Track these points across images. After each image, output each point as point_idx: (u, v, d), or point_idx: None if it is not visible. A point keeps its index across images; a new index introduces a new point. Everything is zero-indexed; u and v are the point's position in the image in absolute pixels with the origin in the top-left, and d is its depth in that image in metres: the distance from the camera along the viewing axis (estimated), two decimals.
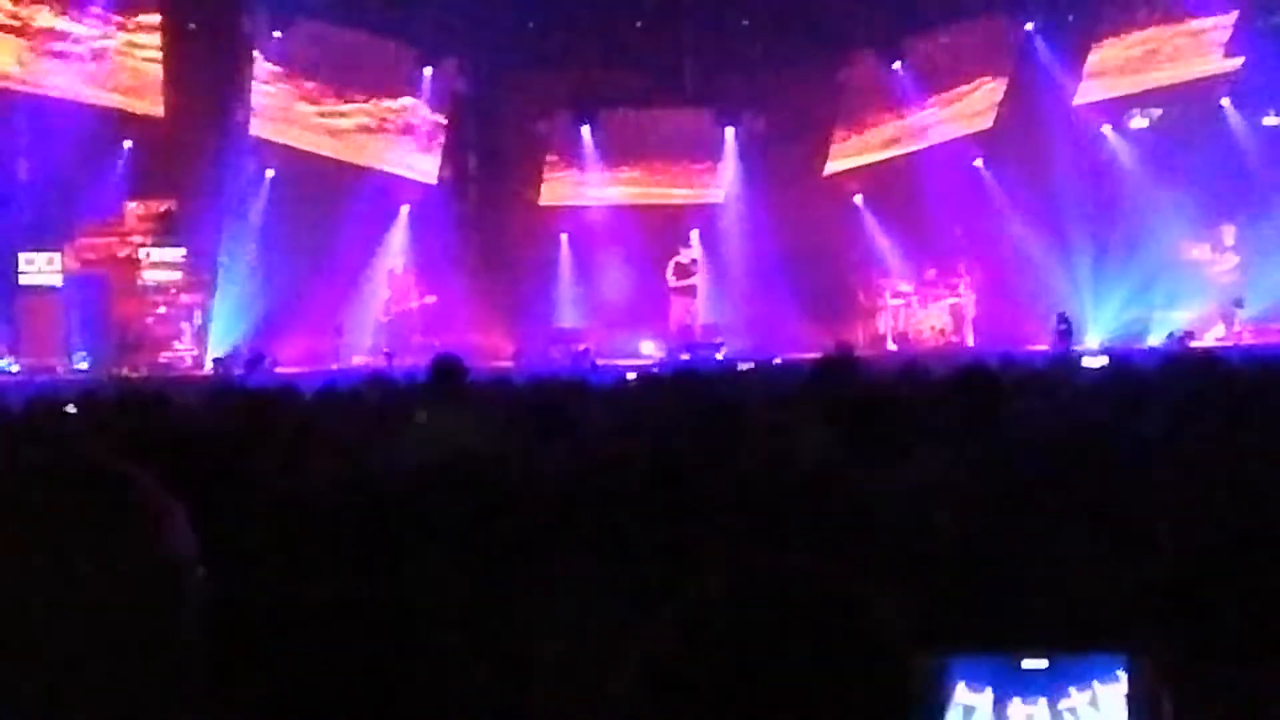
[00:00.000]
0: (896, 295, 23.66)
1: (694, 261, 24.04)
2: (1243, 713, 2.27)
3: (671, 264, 23.82)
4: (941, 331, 23.22)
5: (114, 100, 22.32)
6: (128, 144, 22.27)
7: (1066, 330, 20.46)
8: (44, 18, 21.88)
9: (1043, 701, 1.90)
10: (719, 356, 21.06)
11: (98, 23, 22.08)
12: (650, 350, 23.15)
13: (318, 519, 4.26)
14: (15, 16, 21.64)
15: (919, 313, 23.50)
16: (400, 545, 3.99)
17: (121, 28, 22.29)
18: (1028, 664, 1.90)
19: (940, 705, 1.89)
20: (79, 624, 1.58)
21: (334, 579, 3.58)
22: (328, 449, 7.30)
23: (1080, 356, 16.32)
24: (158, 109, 22.55)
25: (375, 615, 3.21)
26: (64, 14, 21.94)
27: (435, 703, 3.04)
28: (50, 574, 1.58)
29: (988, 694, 1.89)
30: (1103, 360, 14.45)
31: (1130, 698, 1.90)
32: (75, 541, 1.60)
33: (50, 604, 1.58)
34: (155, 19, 22.39)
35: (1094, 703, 1.91)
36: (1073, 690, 1.90)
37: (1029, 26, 23.71)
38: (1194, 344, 19.48)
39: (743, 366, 15.46)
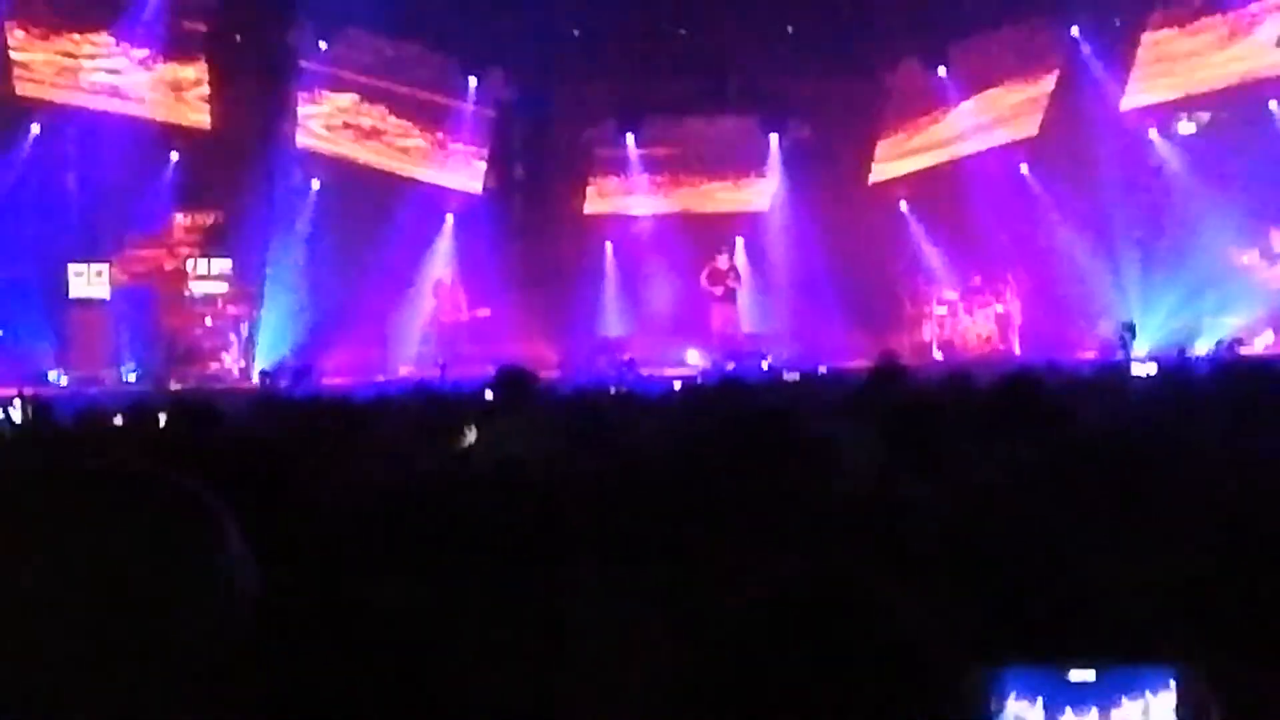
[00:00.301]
0: (942, 303, 23.56)
1: (732, 269, 23.98)
2: None
3: (706, 270, 23.75)
4: (988, 339, 23.11)
5: (161, 113, 22.48)
6: (175, 156, 22.45)
7: (1130, 339, 20.14)
8: (89, 49, 22.12)
9: (1094, 711, 1.89)
10: (764, 365, 21.02)
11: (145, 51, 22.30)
12: (695, 359, 23.12)
13: (364, 527, 4.28)
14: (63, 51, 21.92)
15: (965, 321, 23.39)
16: (444, 553, 4.00)
17: (167, 57, 22.48)
18: (1076, 676, 1.89)
19: (993, 716, 1.89)
20: (132, 632, 1.59)
21: (378, 586, 3.60)
22: (378, 460, 7.32)
23: (1129, 364, 16.22)
24: (204, 121, 22.71)
25: (417, 622, 3.22)
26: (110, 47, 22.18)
27: (474, 706, 3.05)
28: (101, 582, 1.59)
29: (1039, 705, 1.88)
30: (1151, 368, 14.36)
31: (1180, 708, 1.89)
32: (126, 549, 1.61)
33: (102, 611, 1.58)
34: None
35: (1146, 713, 1.90)
36: (1124, 700, 1.89)
37: (1075, 31, 23.58)
38: (1243, 351, 19.33)
39: (789, 376, 15.40)
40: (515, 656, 3.32)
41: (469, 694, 3.10)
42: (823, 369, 18.01)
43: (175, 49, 22.56)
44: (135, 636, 1.58)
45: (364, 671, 2.90)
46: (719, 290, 23.75)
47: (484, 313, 23.21)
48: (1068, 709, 1.96)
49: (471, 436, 8.02)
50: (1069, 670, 1.96)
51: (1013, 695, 1.95)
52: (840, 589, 2.04)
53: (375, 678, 2.90)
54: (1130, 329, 20.31)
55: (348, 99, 23.62)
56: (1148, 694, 1.97)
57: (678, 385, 13.50)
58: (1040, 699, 1.94)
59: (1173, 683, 1.98)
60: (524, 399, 8.58)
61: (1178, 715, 1.95)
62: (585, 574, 3.76)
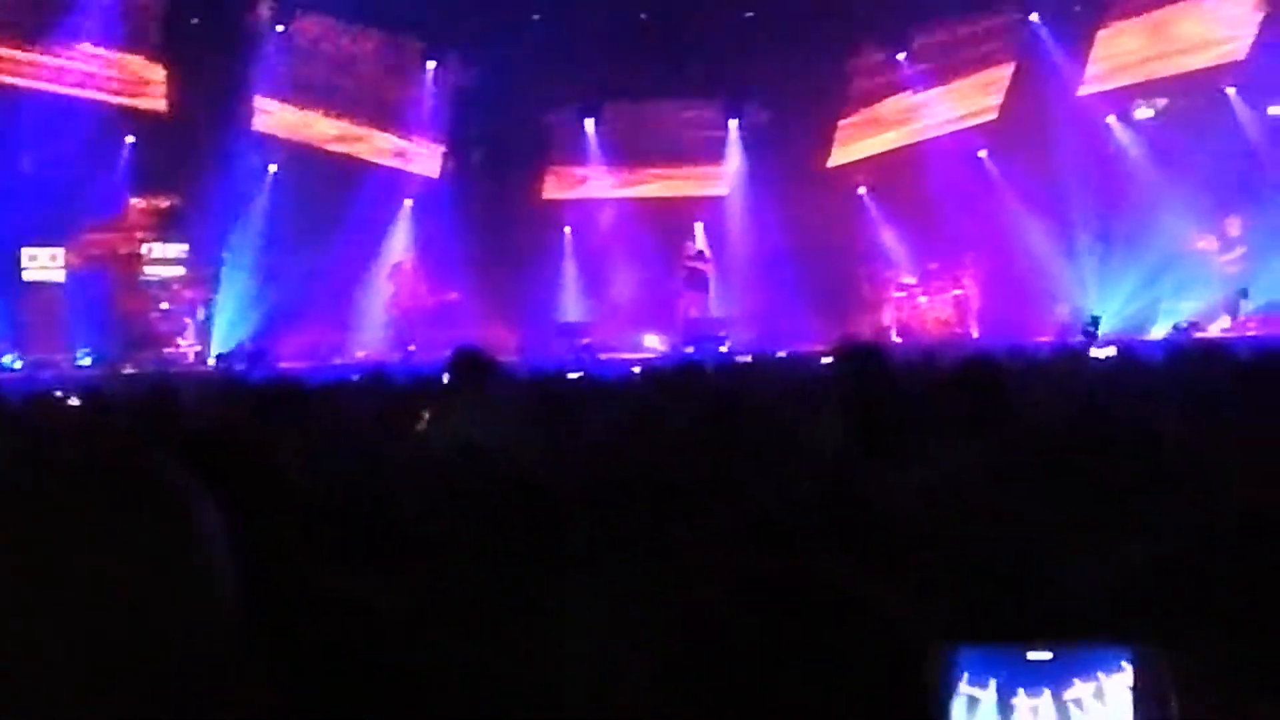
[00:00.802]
0: (900, 287, 23.64)
1: (699, 252, 23.99)
2: (1249, 705, 2.26)
3: (681, 259, 23.81)
4: (946, 323, 23.19)
5: (117, 96, 22.34)
6: (130, 140, 22.31)
7: (1093, 332, 20.12)
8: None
9: (1047, 693, 1.88)
10: (723, 349, 21.04)
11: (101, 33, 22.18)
12: (653, 344, 23.14)
13: (326, 516, 4.25)
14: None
15: (923, 305, 23.47)
16: (409, 541, 3.98)
17: (124, 40, 22.34)
18: (1033, 656, 1.88)
19: (946, 696, 1.88)
20: (115, 613, 1.55)
21: (344, 574, 3.57)
22: (340, 443, 7.28)
23: (1086, 349, 16.28)
24: (160, 105, 22.57)
25: (386, 611, 3.20)
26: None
27: (444, 696, 3.03)
28: (82, 564, 1.56)
29: (992, 686, 1.87)
30: (1110, 351, 14.42)
31: (1136, 689, 1.88)
32: (107, 530, 1.58)
33: (83, 593, 1.55)
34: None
35: (1099, 694, 1.89)
36: (1077, 681, 1.88)
37: (1034, 17, 23.66)
38: (1199, 335, 19.44)
39: (740, 359, 15.42)
40: (483, 643, 3.30)
41: (438, 686, 3.08)
42: (782, 353, 18.04)
43: (131, 32, 22.41)
44: (124, 631, 1.55)
45: (334, 664, 2.88)
46: (691, 275, 23.72)
47: (453, 296, 23.15)
48: (1020, 690, 1.96)
49: (425, 421, 7.99)
50: (1026, 650, 1.96)
51: (966, 676, 1.94)
52: (806, 576, 2.04)
53: (345, 670, 2.88)
54: (1095, 323, 20.34)
55: (305, 83, 23.49)
56: (1100, 675, 1.96)
57: (636, 370, 13.47)
58: (994, 680, 1.94)
59: (1128, 664, 1.97)
60: (480, 382, 8.54)
61: (1133, 696, 1.94)
62: (554, 561, 3.75)
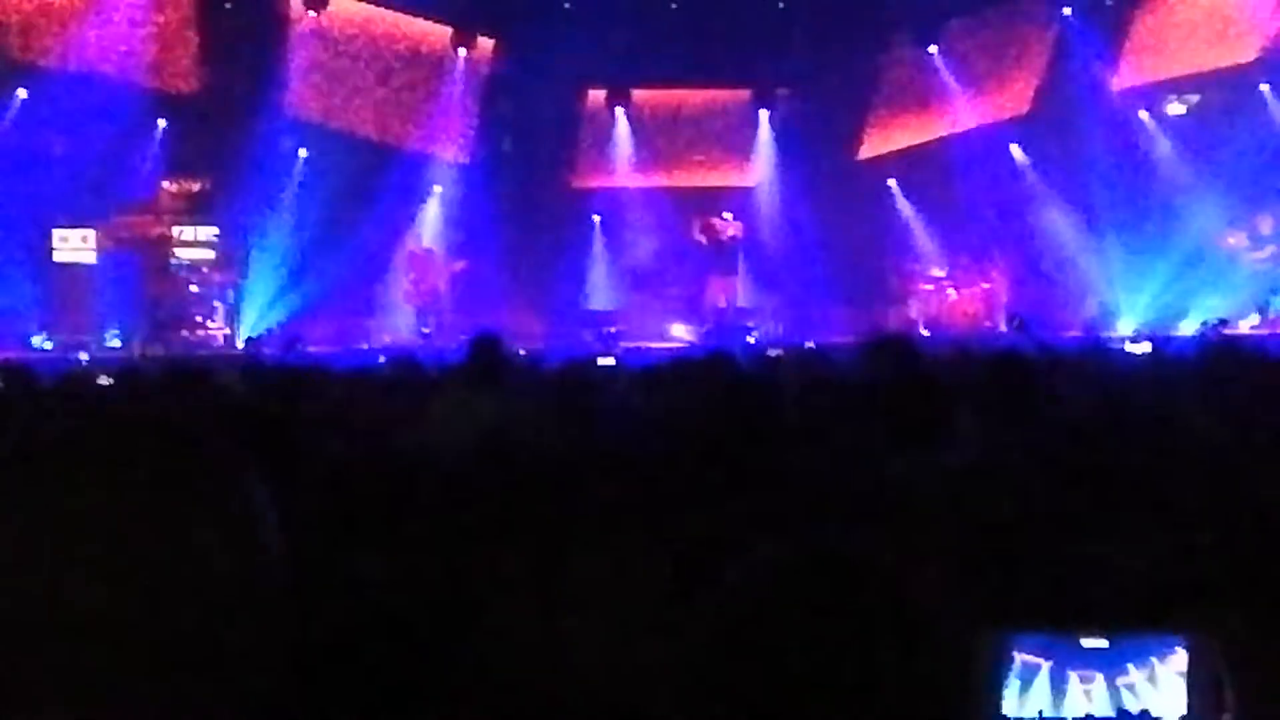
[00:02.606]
0: (929, 281, 23.57)
1: (734, 237, 23.88)
2: None
3: (699, 224, 23.72)
4: (974, 317, 23.13)
5: (150, 79, 22.38)
6: (162, 123, 22.36)
7: (1020, 327, 19.73)
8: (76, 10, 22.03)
9: (1100, 677, 1.89)
10: (751, 340, 21.02)
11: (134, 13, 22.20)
12: (681, 333, 23.13)
13: (351, 498, 4.26)
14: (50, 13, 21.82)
15: (951, 298, 23.41)
16: (434, 522, 3.99)
17: (157, 22, 22.37)
18: (1088, 643, 1.89)
19: (1000, 677, 1.88)
20: (170, 579, 1.56)
21: (372, 554, 3.58)
22: (362, 427, 7.30)
23: (1120, 343, 16.24)
24: (193, 87, 22.62)
25: (413, 590, 3.21)
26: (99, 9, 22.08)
27: (469, 672, 3.04)
28: (139, 532, 1.56)
29: (1045, 669, 1.88)
30: (1146, 346, 14.39)
31: (1189, 676, 1.88)
32: (163, 497, 1.59)
33: (141, 561, 1.56)
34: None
35: (1152, 680, 1.89)
36: (1131, 667, 1.89)
37: (1067, 11, 23.56)
38: (1228, 332, 19.36)
39: (772, 353, 15.38)
40: (508, 630, 3.31)
41: (452, 667, 3.09)
42: (810, 344, 18.01)
43: (165, 13, 22.45)
44: (176, 586, 1.56)
45: (360, 643, 2.89)
46: (720, 251, 23.63)
47: (459, 265, 23.12)
48: (1072, 674, 1.96)
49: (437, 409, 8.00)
50: (1080, 637, 1.96)
51: (1021, 657, 1.94)
52: (841, 559, 2.04)
53: (370, 650, 2.89)
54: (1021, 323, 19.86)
55: (337, 68, 23.52)
56: (1154, 662, 1.97)
57: (665, 359, 13.47)
58: (1049, 661, 1.94)
59: (1182, 651, 1.97)
60: (498, 369, 8.58)
61: (1188, 683, 1.94)
62: (576, 547, 3.75)
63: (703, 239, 23.70)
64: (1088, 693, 1.92)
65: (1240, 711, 1.88)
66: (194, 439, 1.65)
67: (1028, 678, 1.90)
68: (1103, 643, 1.94)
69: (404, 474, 4.61)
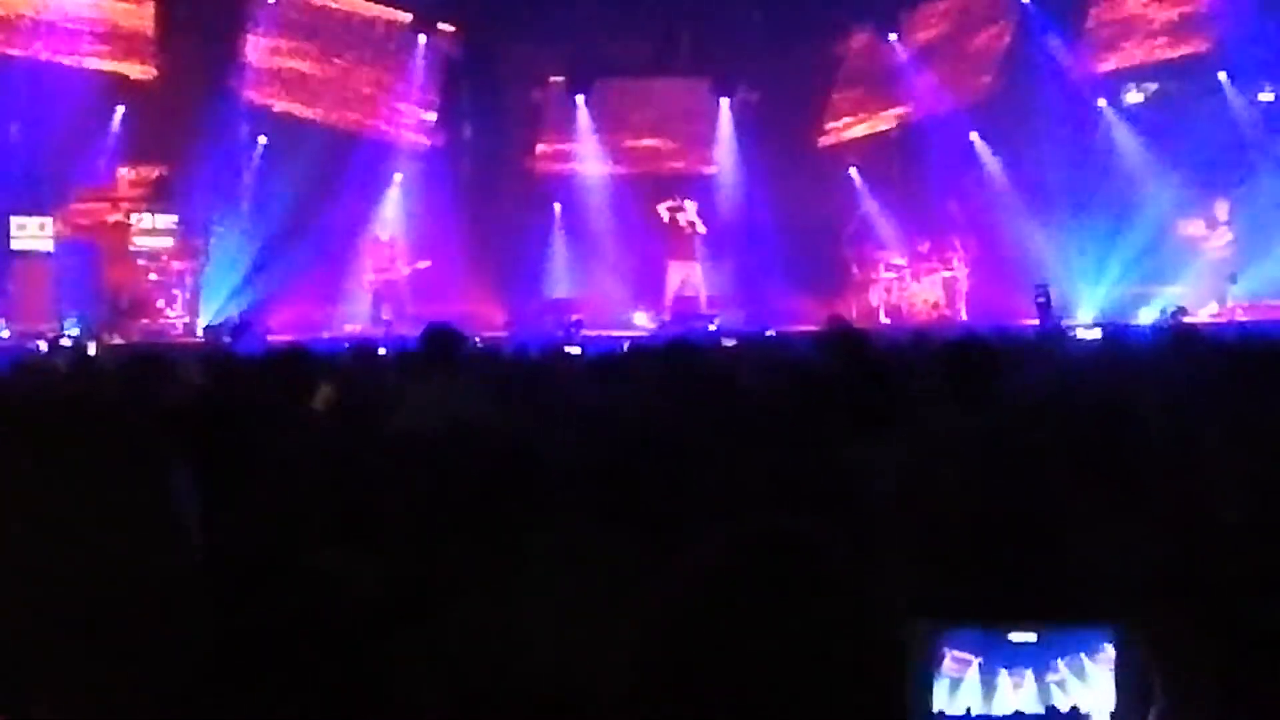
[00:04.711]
0: (890, 268, 23.61)
1: (692, 224, 23.93)
2: (1230, 686, 2.27)
3: (666, 204, 23.79)
4: (935, 305, 23.19)
5: (106, 65, 22.24)
6: (120, 109, 22.22)
7: (1045, 303, 20.05)
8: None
9: (1029, 673, 1.89)
10: (712, 328, 21.02)
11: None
12: (642, 321, 23.12)
13: (305, 490, 4.25)
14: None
15: (912, 286, 23.46)
16: (378, 513, 3.99)
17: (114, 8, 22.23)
18: (1016, 637, 1.89)
19: (930, 673, 1.89)
20: (84, 571, 1.58)
21: (328, 545, 3.57)
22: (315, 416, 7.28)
23: (1072, 330, 16.30)
24: (150, 74, 22.49)
25: (371, 581, 3.20)
26: None
27: (426, 661, 3.03)
28: (63, 515, 1.58)
29: (975, 665, 1.88)
30: (1095, 333, 14.45)
31: (1118, 670, 1.89)
32: (88, 487, 1.60)
33: (57, 548, 1.57)
34: None
35: (1080, 675, 1.90)
36: (1060, 664, 1.90)
37: None
38: (1187, 320, 19.45)
39: (727, 343, 15.39)
40: (463, 619, 3.31)
41: (412, 660, 3.09)
42: (770, 333, 18.02)
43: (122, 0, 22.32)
44: (87, 581, 1.57)
45: (309, 636, 2.88)
46: (678, 237, 23.70)
47: (424, 264, 23.10)
48: (1003, 670, 1.96)
49: (324, 394, 7.99)
50: (1009, 631, 1.96)
51: (951, 654, 1.95)
52: (790, 544, 2.04)
53: (319, 643, 2.89)
54: (1044, 292, 20.03)
55: (296, 54, 23.40)
56: (1084, 658, 1.97)
57: (625, 346, 13.48)
58: (977, 660, 1.94)
59: (1109, 646, 1.98)
60: (452, 358, 8.61)
61: (1115, 677, 1.95)
62: (535, 536, 3.75)
63: (665, 215, 23.73)
64: (1017, 690, 1.92)
65: (1168, 704, 1.89)
66: (114, 429, 1.65)
67: (958, 675, 1.90)
68: (1031, 636, 1.95)
69: (356, 464, 4.60)
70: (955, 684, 1.91)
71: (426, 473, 4.21)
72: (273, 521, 3.93)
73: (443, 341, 8.64)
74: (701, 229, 23.95)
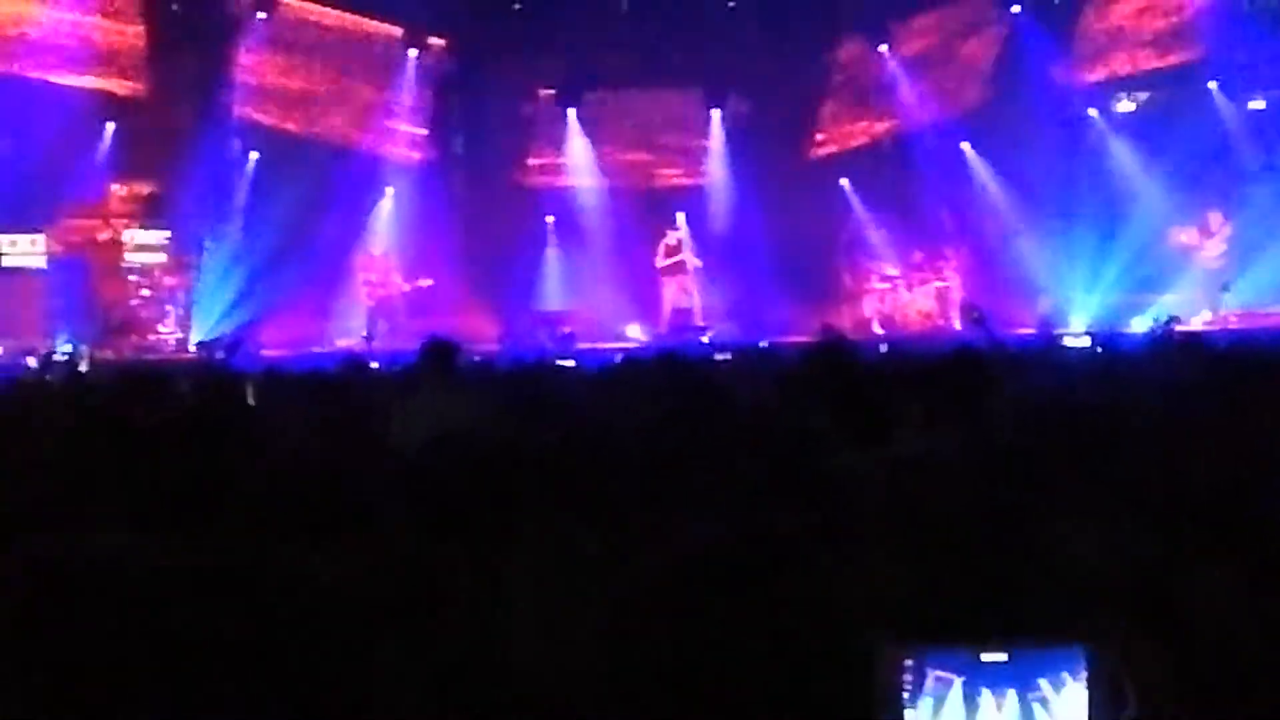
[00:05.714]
0: (883, 279, 23.64)
1: (680, 243, 24.01)
2: (1202, 700, 2.25)
3: (661, 246, 23.88)
4: (928, 315, 23.20)
5: (97, 82, 22.24)
6: (111, 126, 22.23)
7: (980, 320, 19.87)
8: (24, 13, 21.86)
9: (1012, 693, 1.87)
10: (705, 340, 21.01)
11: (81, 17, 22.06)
12: (635, 334, 23.11)
13: (294, 499, 4.23)
14: None
15: (905, 296, 23.48)
16: (366, 518, 3.98)
17: (103, 12, 22.23)
18: (987, 657, 1.87)
19: (899, 695, 1.87)
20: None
21: (316, 552, 3.55)
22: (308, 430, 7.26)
23: (1062, 339, 16.28)
24: (141, 91, 22.49)
25: (360, 586, 3.19)
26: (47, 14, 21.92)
27: (396, 670, 3.02)
28: None
29: (957, 686, 1.86)
30: (1085, 341, 14.43)
31: (1091, 687, 1.87)
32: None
33: None
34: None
35: (1060, 692, 1.88)
36: (1043, 683, 1.88)
37: (1016, 9, 23.66)
38: (1180, 328, 19.44)
39: (720, 357, 15.37)
40: (460, 623, 3.30)
41: (390, 660, 3.07)
42: (763, 344, 18.00)
43: (112, 16, 22.30)
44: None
45: (290, 640, 2.86)
46: (673, 264, 23.80)
47: (426, 283, 23.12)
48: (986, 690, 1.94)
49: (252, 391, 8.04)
50: (980, 652, 1.95)
51: (933, 676, 1.93)
52: (767, 549, 2.03)
53: (300, 646, 2.87)
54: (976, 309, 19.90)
55: (287, 70, 23.41)
56: (1066, 676, 1.96)
57: (618, 359, 13.46)
58: (961, 678, 1.93)
59: (1084, 663, 1.96)
60: (448, 371, 8.68)
61: (1089, 694, 1.93)
62: (520, 540, 3.75)
63: (666, 259, 23.87)
64: (1001, 709, 1.90)
65: (1140, 711, 1.88)
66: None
67: (940, 694, 1.88)
68: (1001, 656, 1.93)
69: (351, 474, 4.59)
70: (939, 704, 1.89)
71: (415, 478, 4.21)
72: (261, 527, 3.93)
73: (440, 354, 8.70)
74: (687, 245, 24.01)
